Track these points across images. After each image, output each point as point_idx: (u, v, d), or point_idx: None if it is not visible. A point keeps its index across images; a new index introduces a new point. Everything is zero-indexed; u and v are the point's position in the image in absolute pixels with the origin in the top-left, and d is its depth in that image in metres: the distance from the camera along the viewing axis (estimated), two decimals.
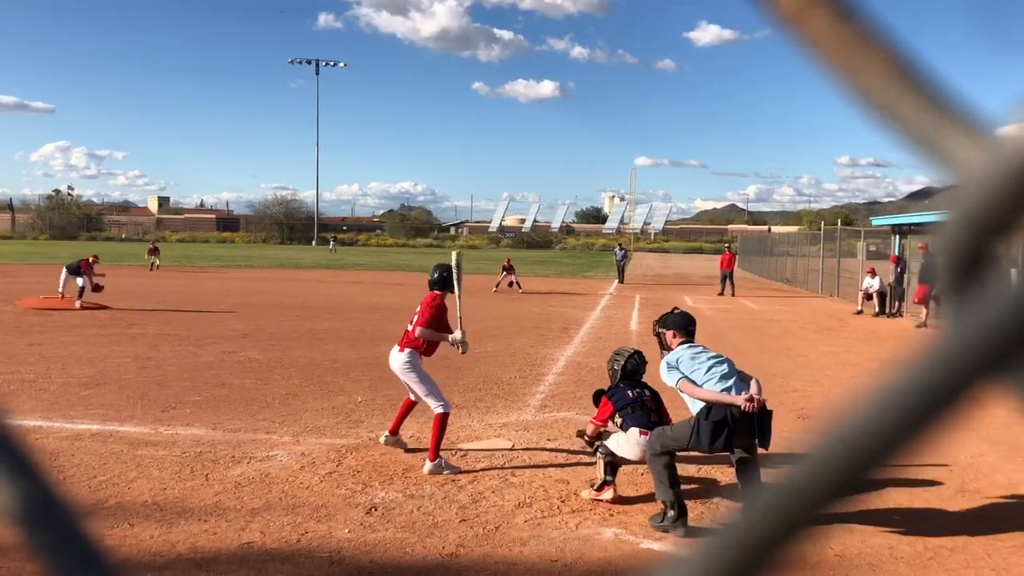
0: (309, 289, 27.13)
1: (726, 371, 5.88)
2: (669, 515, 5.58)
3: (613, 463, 6.18)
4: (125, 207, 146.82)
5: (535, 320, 18.31)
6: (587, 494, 6.18)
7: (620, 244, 38.66)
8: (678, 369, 5.95)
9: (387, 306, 21.38)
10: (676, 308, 6.75)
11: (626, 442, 6.18)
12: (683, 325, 6.38)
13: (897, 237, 24.89)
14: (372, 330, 16.04)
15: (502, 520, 5.63)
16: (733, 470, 5.90)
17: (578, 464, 6.96)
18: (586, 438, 6.82)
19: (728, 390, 5.73)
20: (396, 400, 9.25)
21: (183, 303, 20.39)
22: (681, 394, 5.93)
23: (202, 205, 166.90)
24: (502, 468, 6.81)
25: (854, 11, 0.24)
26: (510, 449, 7.41)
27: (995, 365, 0.25)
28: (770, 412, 5.71)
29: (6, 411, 0.39)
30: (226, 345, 13.23)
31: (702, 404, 5.72)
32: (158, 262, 35.53)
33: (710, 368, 5.89)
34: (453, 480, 6.44)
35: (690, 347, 6.19)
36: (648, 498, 6.11)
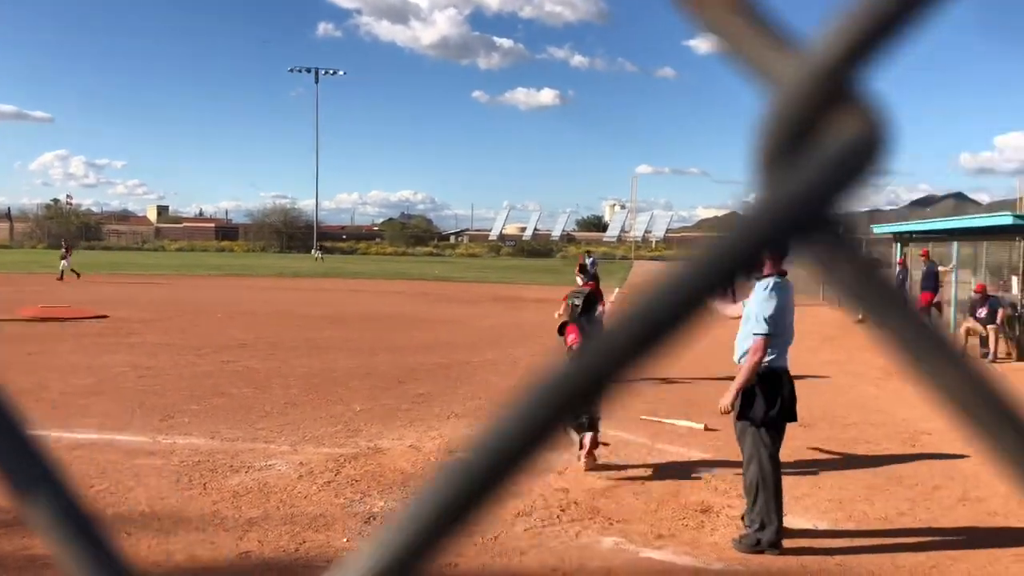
0: (308, 298, 27.12)
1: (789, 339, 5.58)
2: (766, 537, 5.33)
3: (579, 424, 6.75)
4: (124, 216, 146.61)
5: (536, 329, 18.29)
6: (583, 463, 6.85)
7: (588, 251, 37.59)
8: (771, 322, 5.41)
9: (386, 315, 21.36)
10: None
11: None
12: (786, 248, 5.78)
13: (898, 245, 24.88)
14: (371, 339, 16.02)
15: (501, 529, 5.60)
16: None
17: (578, 473, 6.93)
18: None
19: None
20: (394, 408, 9.24)
21: (181, 312, 20.36)
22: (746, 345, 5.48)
23: (201, 214, 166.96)
24: None
25: None
26: None
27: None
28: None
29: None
30: (225, 354, 13.21)
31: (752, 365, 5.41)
32: (68, 267, 31.16)
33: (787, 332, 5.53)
34: None
35: (787, 290, 5.53)
36: (647, 505, 6.09)
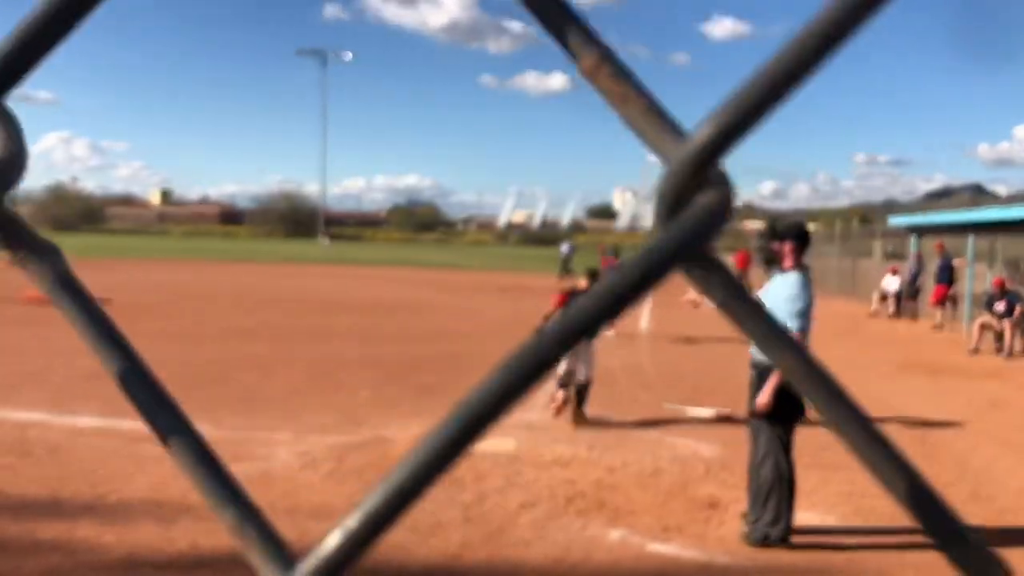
0: (314, 284, 27.07)
1: None
2: (776, 532, 5.26)
3: (565, 384, 8.16)
4: (127, 199, 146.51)
5: (541, 319, 18.21)
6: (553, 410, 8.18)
7: (569, 238, 36.98)
8: (804, 316, 5.26)
9: (393, 303, 21.32)
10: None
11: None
12: (806, 239, 5.52)
13: (914, 237, 24.68)
14: (377, 327, 15.97)
15: (506, 521, 5.55)
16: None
17: (584, 464, 6.87)
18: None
19: None
20: (399, 397, 9.19)
21: (185, 297, 20.33)
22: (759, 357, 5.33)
23: (206, 198, 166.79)
24: (506, 468, 6.73)
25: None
26: (514, 449, 7.33)
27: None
28: None
29: None
30: (228, 341, 13.17)
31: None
32: None
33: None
34: (457, 480, 6.36)
35: (812, 284, 5.41)
36: (655, 498, 6.03)
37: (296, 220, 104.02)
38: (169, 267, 33.11)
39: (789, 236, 5.41)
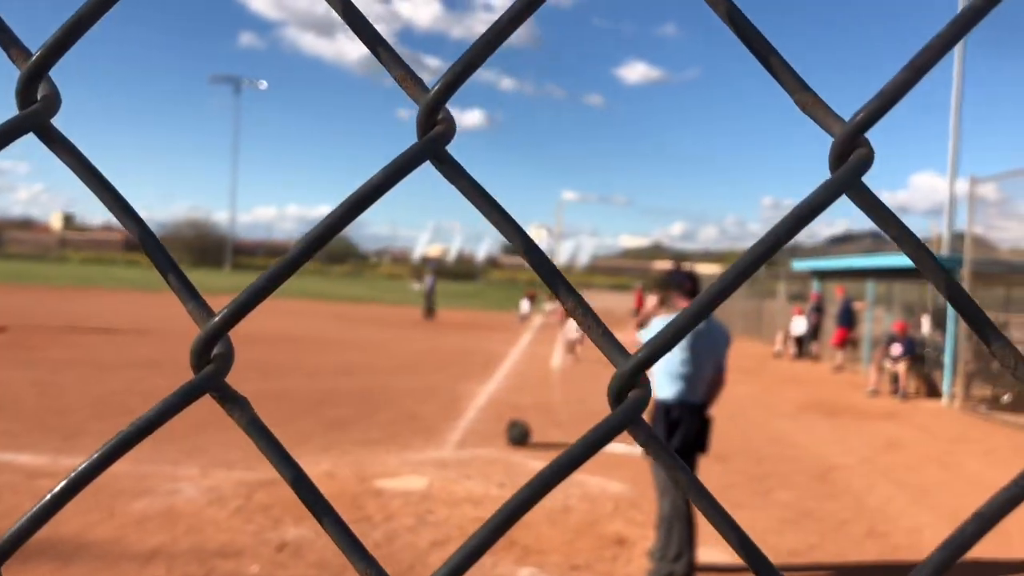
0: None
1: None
2: (679, 569, 5.38)
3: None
4: (26, 223, 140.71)
5: (456, 355, 18.19)
6: None
7: (429, 264, 33.07)
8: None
9: (302, 336, 21.01)
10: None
11: None
12: (684, 284, 5.84)
13: (816, 281, 25.53)
14: (285, 360, 15.71)
15: (416, 559, 5.52)
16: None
17: (494, 502, 6.88)
18: None
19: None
20: (309, 432, 9.05)
21: (88, 326, 19.64)
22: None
23: (110, 224, 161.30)
24: (417, 507, 6.69)
25: None
26: (425, 487, 7.29)
27: None
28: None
29: None
30: (132, 372, 12.76)
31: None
32: None
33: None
34: (367, 519, 6.30)
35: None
36: (564, 535, 6.08)
37: (203, 248, 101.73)
38: (69, 295, 31.94)
39: (672, 285, 5.91)
